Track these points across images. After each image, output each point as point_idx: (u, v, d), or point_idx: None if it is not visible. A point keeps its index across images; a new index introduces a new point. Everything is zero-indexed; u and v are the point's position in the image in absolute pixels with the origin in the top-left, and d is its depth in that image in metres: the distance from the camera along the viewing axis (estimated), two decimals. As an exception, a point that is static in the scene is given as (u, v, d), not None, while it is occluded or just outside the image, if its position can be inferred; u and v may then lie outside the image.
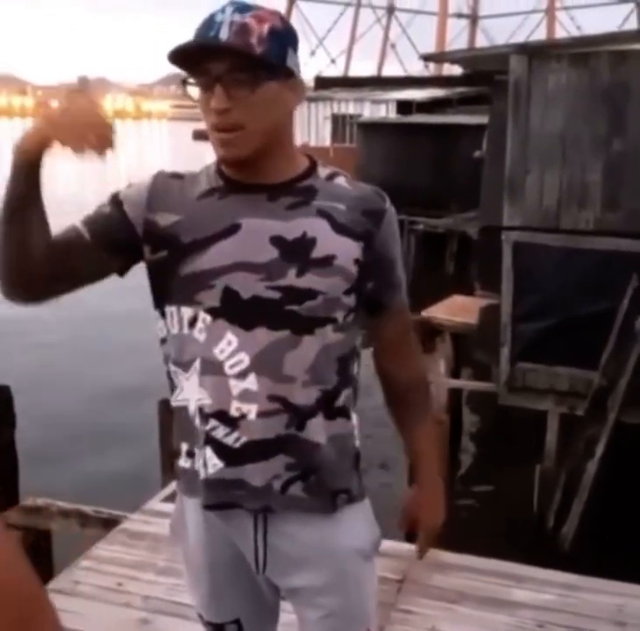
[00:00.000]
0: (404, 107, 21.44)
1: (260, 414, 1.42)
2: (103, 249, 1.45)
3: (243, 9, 1.35)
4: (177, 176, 1.50)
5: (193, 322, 1.45)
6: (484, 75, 8.57)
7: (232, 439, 1.44)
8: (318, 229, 1.43)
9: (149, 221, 1.45)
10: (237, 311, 1.42)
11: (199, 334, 1.45)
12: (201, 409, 1.47)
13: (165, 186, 1.48)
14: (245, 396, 1.42)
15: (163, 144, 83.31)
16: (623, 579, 3.21)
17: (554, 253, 5.63)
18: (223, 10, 1.36)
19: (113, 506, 3.96)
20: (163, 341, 1.53)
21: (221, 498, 1.48)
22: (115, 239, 1.45)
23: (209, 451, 1.47)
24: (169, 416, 4.98)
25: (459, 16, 58.59)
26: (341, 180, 1.50)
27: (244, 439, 1.44)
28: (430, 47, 45.15)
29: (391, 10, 57.93)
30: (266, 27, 1.34)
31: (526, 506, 5.70)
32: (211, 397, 1.45)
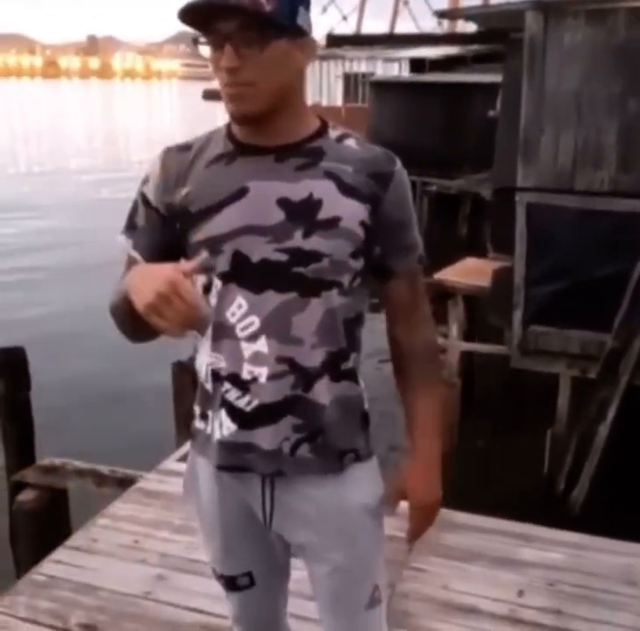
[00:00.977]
0: (417, 65, 21.13)
1: (270, 377, 1.45)
2: (153, 259, 1.46)
3: None
4: (186, 148, 1.52)
5: (207, 287, 1.48)
6: (499, 33, 8.41)
7: (244, 402, 1.47)
8: (325, 190, 1.43)
9: (167, 202, 1.49)
10: (246, 275, 1.43)
11: (212, 299, 1.47)
12: (215, 373, 1.50)
13: (174, 162, 1.50)
14: (256, 359, 1.44)
15: (173, 104, 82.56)
16: (634, 540, 3.24)
17: (568, 215, 5.57)
18: None
19: (129, 466, 4.01)
20: None
21: (233, 460, 1.51)
22: (160, 244, 1.50)
23: (223, 413, 1.50)
24: (183, 378, 5.01)
25: (474, -29, 57.35)
26: (351, 142, 1.49)
27: (255, 402, 1.46)
28: (443, 4, 44.29)
29: (404, -35, 56.73)
30: None
31: (537, 470, 5.73)
32: (225, 360, 1.47)
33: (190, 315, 1.23)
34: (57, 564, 2.97)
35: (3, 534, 4.04)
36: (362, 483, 1.57)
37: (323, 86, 24.69)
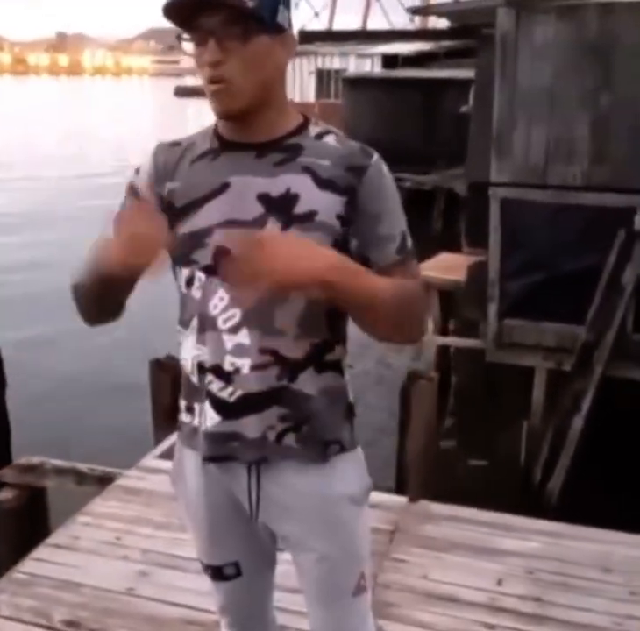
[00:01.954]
0: (390, 61, 21.21)
1: (253, 368, 1.47)
2: None
3: None
4: (176, 144, 1.56)
5: (190, 281, 1.50)
6: (471, 29, 8.48)
7: (227, 393, 1.49)
8: (302, 184, 1.45)
9: (157, 194, 1.52)
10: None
11: (196, 292, 1.50)
12: (200, 365, 1.52)
13: (165, 157, 1.54)
14: (239, 350, 1.46)
15: (145, 100, 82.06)
16: (609, 529, 3.30)
17: (541, 209, 5.64)
18: None
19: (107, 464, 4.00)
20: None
21: (219, 451, 1.53)
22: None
23: (207, 405, 1.52)
24: (161, 376, 4.99)
25: (445, -33, 57.49)
26: (330, 139, 1.51)
27: (238, 393, 1.48)
28: (414, 0, 44.44)
29: (375, -39, 56.78)
30: None
31: (513, 462, 5.80)
32: (208, 352, 1.50)
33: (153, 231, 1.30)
34: (38, 562, 2.96)
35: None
36: (346, 473, 1.60)
37: (297, 82, 24.67)
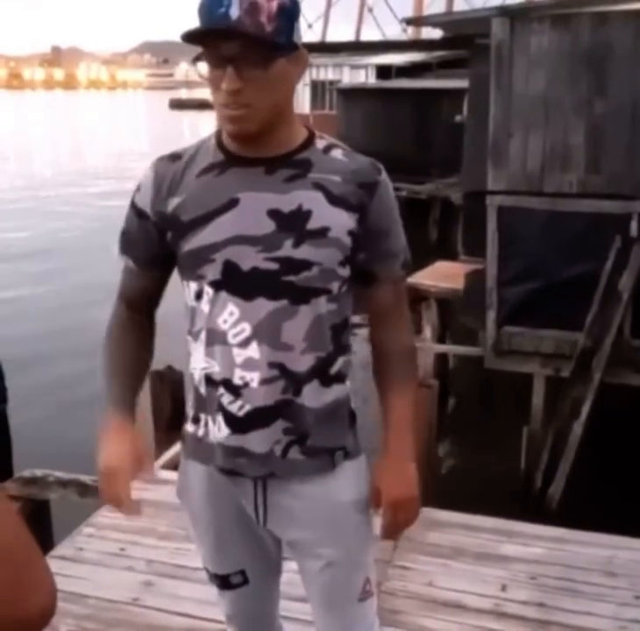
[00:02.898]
0: (384, 72, 21.31)
1: (262, 382, 1.48)
2: (152, 271, 1.60)
3: None
4: (176, 157, 1.54)
5: (199, 295, 1.52)
6: (464, 39, 8.53)
7: (236, 407, 1.50)
8: (314, 201, 1.46)
9: (159, 211, 1.52)
10: (237, 283, 1.47)
11: (205, 306, 1.51)
12: (208, 377, 1.53)
13: (165, 171, 1.52)
14: (248, 364, 1.48)
15: (141, 114, 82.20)
16: (611, 533, 3.31)
17: (538, 216, 5.67)
18: None
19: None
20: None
21: (228, 464, 1.55)
22: (152, 254, 1.57)
23: (220, 417, 1.53)
24: (161, 387, 4.97)
25: (437, -22, 57.80)
26: (338, 153, 1.52)
27: (247, 407, 1.49)
28: (407, 10, 44.62)
29: (368, -27, 57.03)
30: (274, 4, 1.34)
31: (514, 468, 5.80)
32: (218, 365, 1.51)
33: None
34: (43, 574, 2.95)
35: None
36: (351, 479, 1.61)
37: (293, 97, 24.72)
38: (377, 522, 1.68)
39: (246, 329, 1.47)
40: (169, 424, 4.36)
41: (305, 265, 1.46)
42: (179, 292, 1.59)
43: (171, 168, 1.53)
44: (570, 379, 5.47)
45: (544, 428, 5.69)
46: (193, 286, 1.52)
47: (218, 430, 1.54)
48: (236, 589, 1.70)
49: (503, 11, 5.90)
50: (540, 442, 5.62)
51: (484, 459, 6.21)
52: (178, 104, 78.17)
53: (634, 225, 5.28)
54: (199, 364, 1.54)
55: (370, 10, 52.10)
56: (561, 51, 5.59)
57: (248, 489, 1.57)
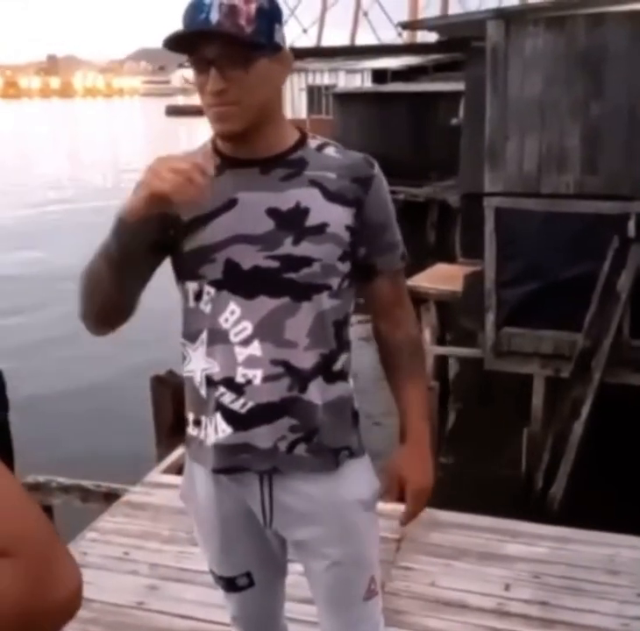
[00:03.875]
0: (379, 76, 21.34)
1: (265, 379, 1.49)
2: (148, 253, 1.51)
3: None
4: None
5: (198, 295, 1.53)
6: (459, 42, 8.56)
7: (239, 405, 1.51)
8: (311, 198, 1.49)
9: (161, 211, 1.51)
10: (238, 282, 1.49)
11: (205, 306, 1.52)
12: (208, 378, 1.54)
13: None
14: (251, 362, 1.49)
15: (138, 121, 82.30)
16: (613, 532, 3.32)
17: (536, 218, 5.70)
18: None
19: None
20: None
21: (230, 462, 1.55)
22: (154, 239, 1.51)
23: (218, 417, 1.53)
24: (162, 392, 4.98)
25: (431, -19, 57.93)
26: (331, 150, 1.55)
27: (250, 404, 1.50)
28: (402, 14, 44.79)
29: (362, -23, 57.16)
30: (253, 7, 1.39)
31: (515, 469, 5.82)
32: (219, 365, 1.52)
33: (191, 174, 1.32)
34: (48, 579, 2.96)
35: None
36: (356, 479, 1.62)
37: (287, 98, 24.79)
38: (381, 522, 1.70)
39: (248, 327, 1.48)
40: (171, 429, 4.37)
41: (305, 261, 1.48)
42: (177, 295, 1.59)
43: None
44: (570, 380, 5.49)
45: (545, 428, 5.71)
46: (192, 286, 1.53)
47: (215, 432, 1.54)
48: (242, 591, 1.71)
49: (498, 14, 5.92)
50: (541, 442, 5.63)
51: (485, 460, 6.22)
52: (175, 111, 78.26)
53: (631, 225, 5.31)
54: (199, 365, 1.55)
55: (365, 14, 52.30)
56: (556, 53, 5.61)
57: (254, 489, 1.58)
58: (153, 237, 1.51)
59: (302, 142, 1.54)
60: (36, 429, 6.25)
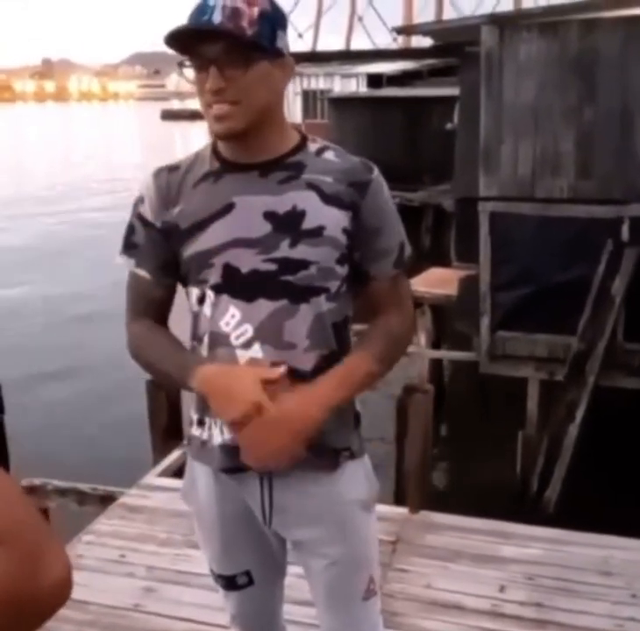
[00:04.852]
0: (374, 80, 21.40)
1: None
2: (166, 278, 1.59)
3: None
4: (174, 168, 1.59)
5: (201, 299, 1.55)
6: (454, 47, 8.60)
7: None
8: (308, 201, 1.50)
9: (164, 220, 1.55)
10: (237, 285, 1.50)
11: (207, 310, 1.54)
12: None
13: (166, 182, 1.57)
14: (252, 365, 1.50)
15: (133, 125, 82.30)
16: (606, 534, 3.34)
17: (530, 222, 5.72)
18: None
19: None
20: None
21: (233, 463, 1.56)
22: (164, 262, 1.58)
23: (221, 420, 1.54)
24: (158, 396, 4.98)
25: (426, -14, 58.11)
26: (330, 154, 1.56)
27: None
28: (397, 19, 44.89)
29: (357, -18, 57.26)
30: (256, 10, 1.41)
31: (510, 472, 5.83)
32: None
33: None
34: (44, 582, 2.97)
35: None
36: (356, 479, 1.64)
37: (283, 103, 24.82)
38: (377, 525, 1.71)
39: (248, 330, 1.50)
40: (166, 432, 4.38)
41: (303, 264, 1.49)
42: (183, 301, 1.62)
43: (170, 179, 1.57)
44: (564, 383, 5.51)
45: (540, 431, 5.72)
46: (195, 291, 1.55)
47: (221, 433, 1.56)
48: (241, 590, 1.73)
49: (492, 20, 5.95)
50: (535, 445, 5.65)
51: (480, 464, 6.24)
52: (170, 115, 78.29)
53: (625, 229, 5.33)
54: None
55: (360, 19, 52.41)
56: (550, 58, 5.64)
57: (254, 488, 1.59)
58: (165, 259, 1.57)
59: (301, 145, 1.55)
60: (32, 433, 6.27)
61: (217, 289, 1.52)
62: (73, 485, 3.87)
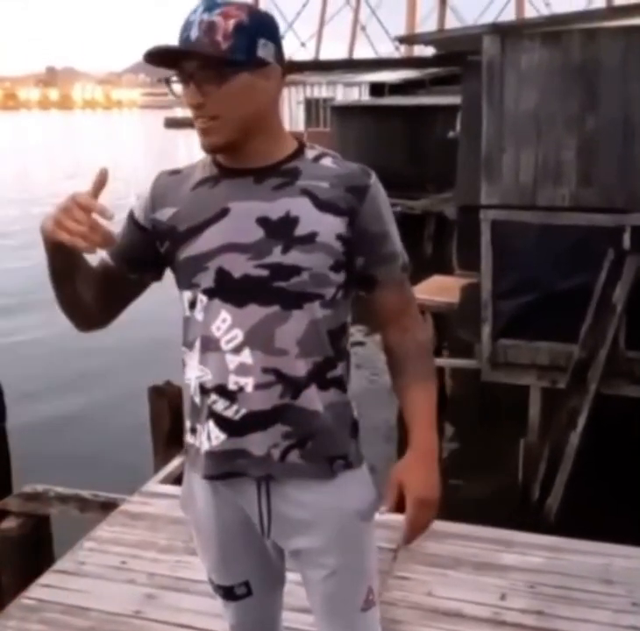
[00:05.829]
0: (377, 89, 21.48)
1: (257, 387, 1.51)
2: (128, 271, 1.61)
3: (212, 7, 1.43)
4: (176, 172, 1.62)
5: (193, 303, 1.56)
6: (456, 56, 8.63)
7: (232, 412, 1.53)
8: (301, 207, 1.50)
9: (154, 219, 1.58)
10: (229, 290, 1.51)
11: (199, 314, 1.55)
12: (202, 386, 1.56)
13: (165, 184, 1.60)
14: (242, 370, 1.51)
15: (137, 133, 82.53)
16: (608, 542, 3.34)
17: (531, 230, 5.73)
18: (195, 10, 1.44)
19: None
20: None
21: (225, 468, 1.57)
22: (134, 257, 1.60)
23: (211, 424, 1.55)
24: (160, 402, 5.00)
25: (429, -4, 58.29)
26: (327, 161, 1.57)
27: (243, 411, 1.52)
28: (400, 28, 45.02)
29: (360, -9, 57.54)
30: (231, 23, 1.42)
31: (511, 480, 5.82)
32: (211, 373, 1.54)
33: (89, 220, 1.34)
34: (45, 588, 2.98)
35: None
36: (354, 489, 1.63)
37: (286, 112, 24.91)
38: (377, 532, 1.71)
39: (239, 335, 1.50)
40: (168, 439, 4.38)
41: (295, 270, 1.49)
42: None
43: (169, 181, 1.60)
44: (566, 391, 5.51)
45: (541, 439, 5.72)
46: (188, 295, 1.57)
47: (208, 439, 1.56)
48: (240, 600, 1.72)
49: (494, 29, 5.98)
50: (537, 453, 5.64)
51: (481, 471, 6.23)
52: (173, 123, 78.46)
53: (626, 238, 5.34)
54: (194, 373, 1.57)
55: (363, 28, 52.60)
56: (552, 67, 5.66)
57: (251, 498, 1.59)
58: (139, 250, 1.58)
59: (298, 152, 1.56)
60: (34, 440, 6.27)
61: (210, 293, 1.52)
62: (74, 492, 3.87)
